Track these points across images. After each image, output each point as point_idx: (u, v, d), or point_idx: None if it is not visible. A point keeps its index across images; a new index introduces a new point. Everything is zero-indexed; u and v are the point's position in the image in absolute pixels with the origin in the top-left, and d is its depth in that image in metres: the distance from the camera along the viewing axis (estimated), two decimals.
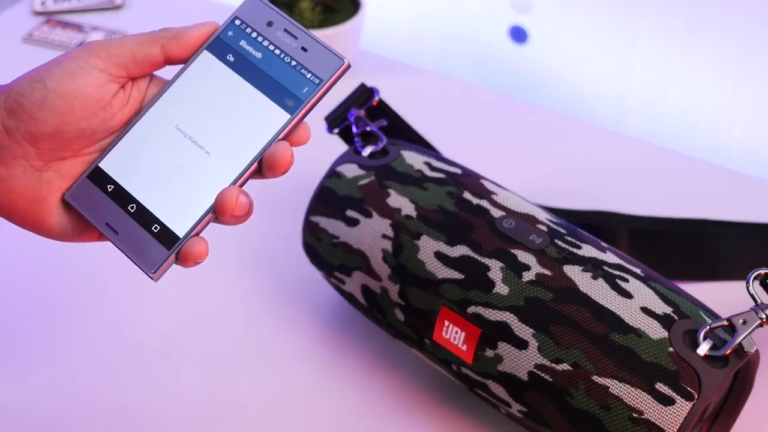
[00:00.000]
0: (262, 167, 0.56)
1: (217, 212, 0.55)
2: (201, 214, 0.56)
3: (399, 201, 0.71)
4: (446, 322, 0.68)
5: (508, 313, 0.66)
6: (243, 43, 0.58)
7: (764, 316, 0.62)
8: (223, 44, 0.58)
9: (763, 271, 0.64)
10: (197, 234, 0.56)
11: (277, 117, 0.57)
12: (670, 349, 0.62)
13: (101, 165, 0.57)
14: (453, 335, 0.68)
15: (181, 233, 0.56)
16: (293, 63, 0.57)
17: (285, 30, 0.58)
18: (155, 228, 0.56)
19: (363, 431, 0.73)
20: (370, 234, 0.71)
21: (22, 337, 0.80)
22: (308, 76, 0.57)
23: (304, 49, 0.57)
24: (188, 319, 0.81)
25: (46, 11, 1.16)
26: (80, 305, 0.82)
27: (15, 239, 0.88)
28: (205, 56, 0.58)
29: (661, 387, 0.61)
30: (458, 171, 0.73)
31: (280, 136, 0.56)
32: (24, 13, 1.17)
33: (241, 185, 0.56)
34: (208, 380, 0.77)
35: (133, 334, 0.80)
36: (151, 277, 0.56)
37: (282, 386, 0.76)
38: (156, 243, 0.56)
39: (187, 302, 0.82)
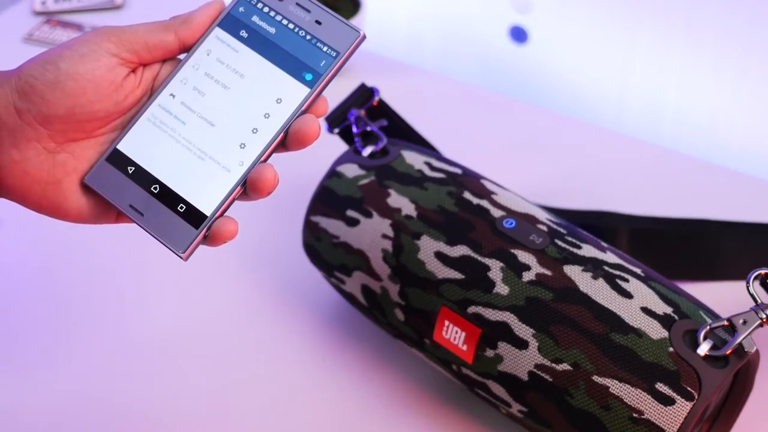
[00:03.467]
0: (288, 141, 0.56)
1: (254, 190, 0.55)
2: (227, 192, 0.56)
3: (399, 201, 0.71)
4: (446, 322, 0.68)
5: (508, 313, 0.66)
6: (255, 18, 0.58)
7: (764, 316, 0.62)
8: (235, 20, 0.58)
9: (763, 271, 0.64)
10: (225, 211, 0.56)
11: (297, 91, 0.56)
12: (671, 349, 0.62)
13: (119, 147, 0.57)
14: (453, 335, 0.68)
15: (208, 212, 0.55)
16: (308, 36, 0.57)
17: (297, 3, 0.58)
18: (181, 207, 0.56)
19: (363, 431, 0.73)
20: (370, 234, 0.71)
21: (24, 338, 0.80)
22: (325, 49, 0.57)
23: (318, 22, 0.57)
24: (188, 319, 0.81)
25: (46, 11, 1.16)
26: (80, 305, 0.82)
27: (17, 240, 0.88)
28: (218, 33, 0.58)
29: (661, 387, 0.61)
30: (458, 171, 0.73)
31: (302, 110, 0.56)
32: (24, 13, 1.17)
33: (265, 160, 0.56)
34: (208, 380, 0.77)
35: (133, 333, 0.80)
36: (180, 257, 0.55)
37: (282, 386, 0.76)
38: (183, 223, 0.55)
39: (187, 302, 0.82)
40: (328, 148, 0.94)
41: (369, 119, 0.78)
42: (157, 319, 0.81)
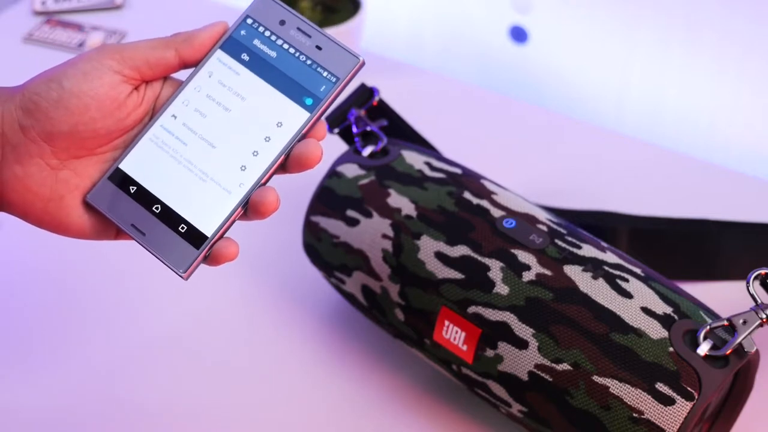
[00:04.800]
0: (290, 164, 0.57)
1: (256, 212, 0.56)
2: (228, 213, 0.56)
3: (399, 201, 0.71)
4: (446, 322, 0.68)
5: (508, 313, 0.66)
6: (257, 42, 0.58)
7: (764, 316, 0.62)
8: (236, 43, 0.59)
9: (763, 271, 0.64)
10: (225, 232, 0.56)
11: (297, 115, 0.57)
12: (671, 349, 0.62)
13: (121, 166, 0.57)
14: (453, 335, 0.68)
15: (209, 232, 0.56)
16: (309, 61, 0.58)
17: (298, 28, 0.58)
18: (182, 228, 0.56)
19: (363, 431, 0.73)
20: (371, 234, 0.71)
21: (24, 338, 0.80)
22: (325, 74, 0.57)
23: (318, 47, 0.58)
24: (188, 318, 0.81)
25: (46, 11, 1.16)
26: (81, 305, 0.82)
27: (17, 240, 0.88)
28: (220, 55, 0.59)
29: (661, 387, 0.61)
30: (458, 171, 0.73)
31: (302, 134, 0.57)
32: (24, 13, 1.17)
33: (265, 183, 0.57)
34: (208, 380, 0.77)
35: (133, 333, 0.80)
36: (181, 276, 0.56)
37: (282, 386, 0.76)
38: (184, 243, 0.56)
39: (187, 302, 0.82)
40: (328, 148, 0.94)
41: (369, 119, 0.78)
42: (157, 319, 0.81)
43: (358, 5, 1.06)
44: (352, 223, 0.72)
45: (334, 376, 0.77)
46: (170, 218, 0.57)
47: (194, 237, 0.56)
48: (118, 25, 1.14)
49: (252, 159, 0.57)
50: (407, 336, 0.72)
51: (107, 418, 0.74)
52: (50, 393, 0.76)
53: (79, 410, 0.75)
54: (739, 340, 0.61)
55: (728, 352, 0.61)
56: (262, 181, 0.56)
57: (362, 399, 0.75)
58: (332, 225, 0.73)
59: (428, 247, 0.69)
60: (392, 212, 0.71)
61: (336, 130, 0.77)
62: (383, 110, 0.79)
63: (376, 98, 0.78)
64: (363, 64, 0.58)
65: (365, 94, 0.78)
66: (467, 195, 0.71)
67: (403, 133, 0.80)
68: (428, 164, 0.74)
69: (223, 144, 0.57)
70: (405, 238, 0.70)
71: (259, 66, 0.58)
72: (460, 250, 0.68)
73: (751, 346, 0.62)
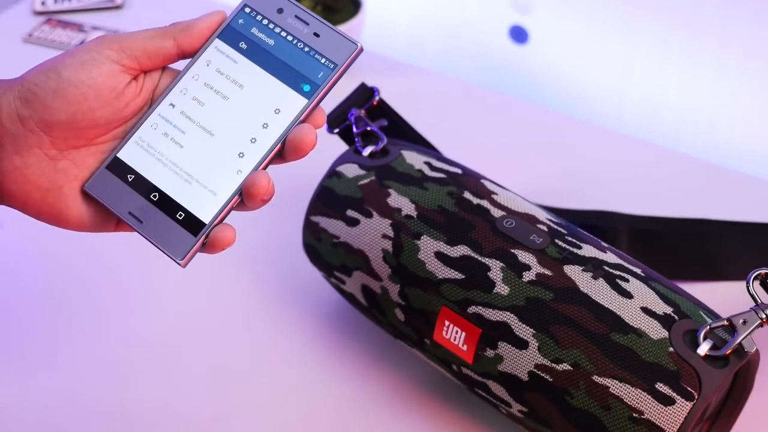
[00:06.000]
0: (286, 150, 0.57)
1: (248, 197, 0.56)
2: (226, 200, 0.56)
3: (399, 201, 0.71)
4: (446, 322, 0.68)
5: (508, 313, 0.66)
6: (255, 30, 0.59)
7: (764, 316, 0.62)
8: (234, 32, 0.59)
9: (763, 271, 0.64)
10: (223, 219, 0.56)
11: (295, 102, 0.57)
12: (671, 349, 0.62)
13: (119, 155, 0.57)
14: (453, 335, 0.68)
15: (206, 219, 0.56)
16: (306, 48, 0.58)
17: (296, 16, 0.58)
18: (180, 215, 0.56)
19: (363, 431, 0.73)
20: (371, 234, 0.71)
21: (25, 338, 0.80)
22: (323, 61, 0.58)
23: (316, 34, 0.58)
24: (188, 318, 0.81)
25: (46, 11, 1.16)
26: (82, 304, 0.82)
27: (18, 239, 0.88)
28: (218, 44, 0.59)
29: (661, 387, 0.61)
30: (458, 171, 0.73)
31: (300, 120, 0.57)
32: (24, 13, 1.17)
33: (264, 170, 0.57)
34: (208, 379, 0.77)
35: (133, 332, 0.80)
36: (179, 264, 0.56)
37: (282, 386, 0.76)
38: (182, 230, 0.56)
39: (187, 302, 0.82)
40: (328, 148, 0.94)
41: (369, 119, 0.78)
42: (158, 319, 0.81)
43: (358, 5, 1.06)
44: (352, 223, 0.72)
45: (334, 376, 0.77)
46: (168, 206, 0.57)
47: (192, 224, 0.56)
48: (118, 25, 1.14)
49: (250, 146, 0.57)
50: (407, 336, 0.72)
51: (106, 417, 0.74)
52: (50, 391, 0.76)
53: (78, 409, 0.75)
54: (739, 340, 0.61)
55: (728, 352, 0.61)
56: (260, 168, 0.57)
57: (362, 399, 0.75)
58: (332, 225, 0.73)
59: (428, 247, 0.69)
60: (392, 212, 0.71)
61: (336, 130, 0.77)
62: (383, 110, 0.79)
63: (376, 98, 0.78)
64: (361, 50, 0.58)
65: (365, 94, 0.78)
66: (467, 195, 0.71)
67: (403, 133, 0.80)
68: (428, 164, 0.74)
69: (221, 131, 0.57)
70: (405, 238, 0.70)
71: (257, 54, 0.58)
72: (460, 250, 0.68)
73: (751, 346, 0.62)
